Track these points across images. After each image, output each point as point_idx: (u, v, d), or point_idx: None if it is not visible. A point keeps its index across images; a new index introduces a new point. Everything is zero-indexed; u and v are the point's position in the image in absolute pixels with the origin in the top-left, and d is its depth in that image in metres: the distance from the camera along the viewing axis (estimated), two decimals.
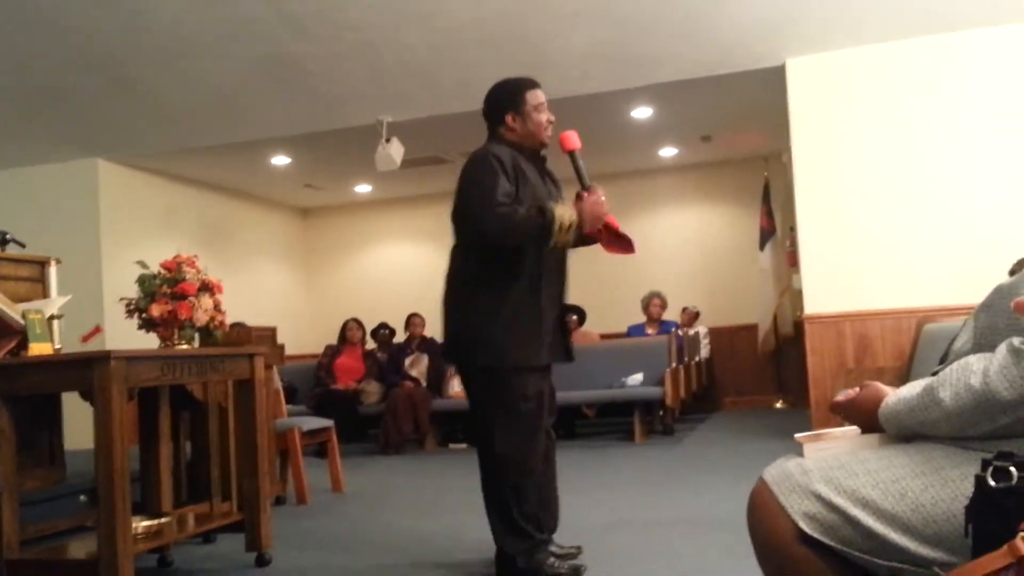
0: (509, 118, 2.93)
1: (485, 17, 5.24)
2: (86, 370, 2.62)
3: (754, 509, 1.41)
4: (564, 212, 2.76)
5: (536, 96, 2.94)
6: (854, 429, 1.50)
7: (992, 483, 1.06)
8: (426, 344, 7.65)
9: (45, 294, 3.81)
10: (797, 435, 1.48)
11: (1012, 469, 1.05)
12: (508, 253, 2.82)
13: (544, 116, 2.94)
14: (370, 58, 5.74)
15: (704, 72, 5.99)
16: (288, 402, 6.19)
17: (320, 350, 8.16)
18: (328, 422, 5.20)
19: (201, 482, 3.91)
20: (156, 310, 3.46)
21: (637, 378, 6.99)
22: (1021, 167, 5.45)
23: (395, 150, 6.52)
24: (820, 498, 1.34)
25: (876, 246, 5.68)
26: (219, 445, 3.88)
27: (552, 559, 2.92)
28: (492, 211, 2.72)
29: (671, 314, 8.63)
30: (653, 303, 8.37)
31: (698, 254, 9.34)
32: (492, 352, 2.84)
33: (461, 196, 2.86)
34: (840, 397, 1.52)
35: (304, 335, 9.75)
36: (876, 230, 5.69)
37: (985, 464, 1.14)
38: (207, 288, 3.70)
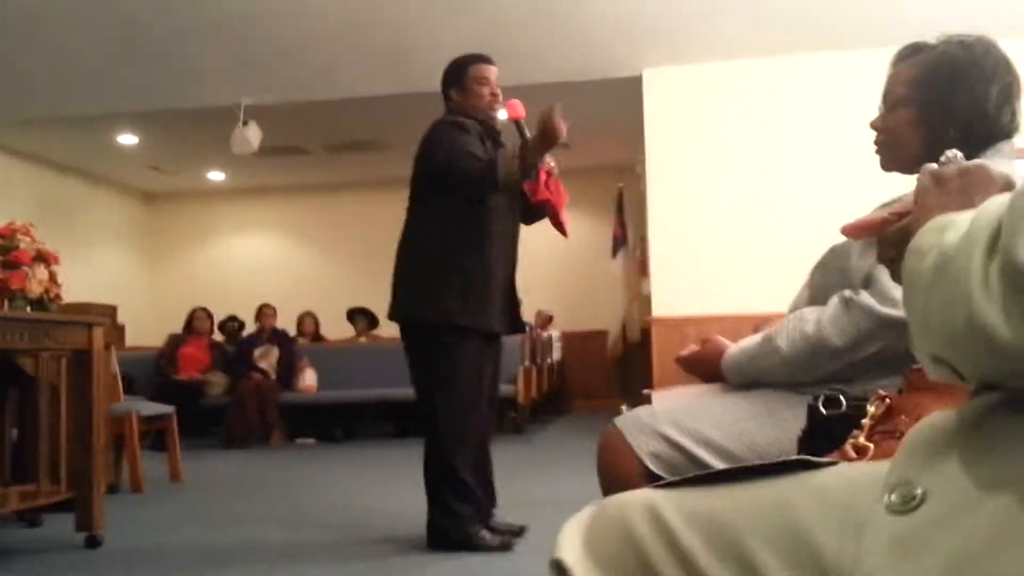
0: (453, 92, 3.02)
1: (352, 3, 5.18)
2: None
3: (604, 450, 1.47)
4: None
5: (479, 70, 3.01)
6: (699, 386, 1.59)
7: (823, 411, 1.15)
8: (277, 336, 7.46)
9: None
10: (646, 391, 1.56)
11: (841, 398, 1.14)
12: (474, 204, 2.90)
13: (486, 89, 2.99)
14: (231, 34, 5.55)
15: (566, 77, 6.13)
16: (126, 393, 5.89)
17: (163, 342, 7.81)
18: (168, 408, 4.99)
19: (27, 465, 3.67)
20: None
21: None
22: (849, 185, 5.86)
23: (252, 133, 6.35)
24: (666, 438, 1.42)
25: (720, 254, 5.96)
26: (49, 425, 3.65)
27: (484, 531, 2.94)
28: (465, 152, 2.82)
29: (525, 316, 8.75)
30: None
31: (553, 259, 9.51)
32: (441, 309, 2.88)
33: (431, 148, 2.92)
34: (684, 352, 1.61)
35: (146, 325, 9.30)
36: (721, 240, 5.97)
37: (815, 399, 1.23)
38: (43, 258, 3.50)
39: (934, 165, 0.71)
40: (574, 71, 6.07)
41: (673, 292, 6.03)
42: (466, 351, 2.92)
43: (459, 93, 3.01)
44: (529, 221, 3.15)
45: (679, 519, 0.66)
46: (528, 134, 2.88)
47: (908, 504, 0.55)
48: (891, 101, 1.45)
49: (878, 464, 0.65)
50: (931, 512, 0.54)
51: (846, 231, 0.79)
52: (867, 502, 0.59)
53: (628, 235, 8.84)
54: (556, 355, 8.97)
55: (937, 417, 0.62)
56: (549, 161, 2.91)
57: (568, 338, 9.37)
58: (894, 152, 1.46)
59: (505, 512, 3.13)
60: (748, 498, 0.66)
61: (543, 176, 2.90)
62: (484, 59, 3.05)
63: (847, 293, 1.40)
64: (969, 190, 0.66)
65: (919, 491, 0.56)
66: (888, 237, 0.74)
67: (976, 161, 0.69)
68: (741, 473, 0.69)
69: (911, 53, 1.45)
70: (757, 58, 5.96)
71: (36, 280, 3.38)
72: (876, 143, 1.50)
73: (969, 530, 0.51)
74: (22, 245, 3.45)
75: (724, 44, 5.79)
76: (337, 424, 7.19)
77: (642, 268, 7.95)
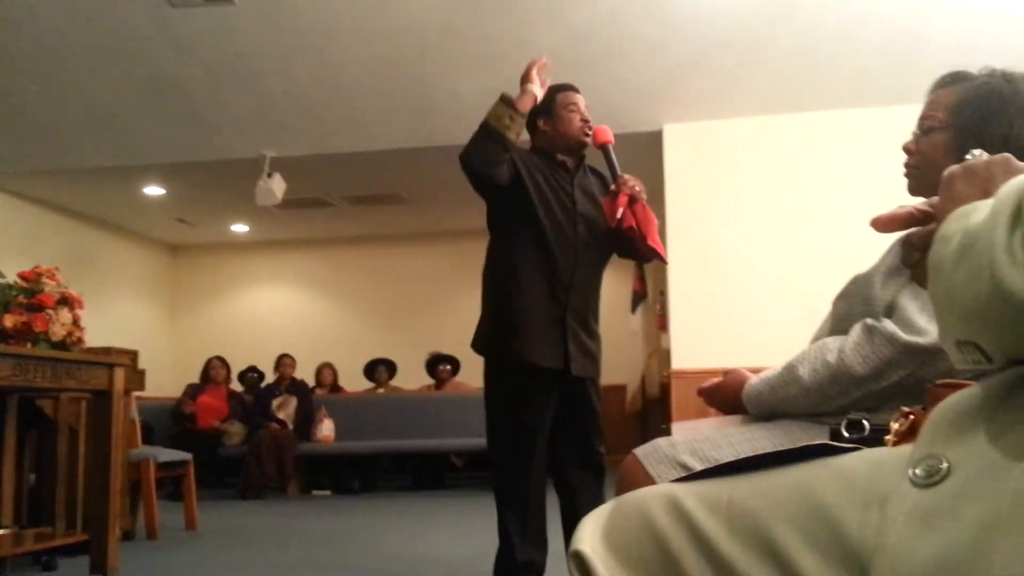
0: (540, 122, 2.96)
1: (374, 56, 5.29)
2: None
3: (623, 480, 1.45)
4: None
5: (568, 97, 2.96)
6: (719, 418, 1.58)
7: (846, 435, 1.14)
8: (295, 386, 7.46)
9: None
10: (664, 426, 1.56)
11: (865, 422, 1.12)
12: (504, 229, 2.89)
13: (576, 116, 2.92)
14: (256, 88, 5.68)
15: None
16: (144, 442, 5.89)
17: (182, 392, 7.83)
18: (186, 455, 4.98)
19: (44, 508, 3.67)
20: (9, 320, 3.30)
21: None
22: (868, 236, 5.84)
23: (277, 185, 6.43)
24: (685, 467, 1.40)
25: (739, 307, 5.94)
26: (67, 468, 3.65)
27: None
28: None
29: None
30: None
31: None
32: (478, 338, 2.90)
33: None
34: (706, 384, 1.60)
35: (165, 376, 9.33)
36: (740, 292, 5.96)
37: (838, 425, 1.22)
38: (66, 301, 3.55)
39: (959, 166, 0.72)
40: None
41: (693, 345, 6.01)
42: (499, 384, 2.82)
43: (548, 122, 2.93)
44: (624, 253, 3.00)
45: (699, 507, 0.67)
46: (615, 159, 2.85)
47: (933, 477, 0.56)
48: (927, 126, 1.44)
49: (901, 447, 0.66)
50: (956, 483, 0.54)
51: (876, 223, 0.79)
52: (891, 478, 0.59)
53: (647, 290, 8.82)
54: None
55: (962, 394, 0.62)
56: (633, 184, 2.79)
57: None
58: (925, 176, 1.45)
59: None
60: (769, 484, 0.66)
61: (623, 199, 2.76)
62: (571, 87, 3.01)
63: (870, 321, 1.39)
64: (994, 179, 0.66)
65: (944, 465, 0.56)
66: (913, 239, 0.74)
67: (1002, 154, 0.70)
68: (761, 461, 0.70)
69: (952, 81, 1.45)
70: (775, 114, 6.01)
71: (59, 323, 3.42)
72: (907, 166, 1.49)
73: (994, 498, 0.51)
74: (47, 288, 3.49)
75: (743, 100, 5.85)
76: (354, 475, 7.14)
77: (661, 323, 7.92)
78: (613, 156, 2.86)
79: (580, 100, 2.96)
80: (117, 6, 4.82)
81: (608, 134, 2.88)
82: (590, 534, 0.70)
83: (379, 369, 8.06)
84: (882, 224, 0.79)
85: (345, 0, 4.85)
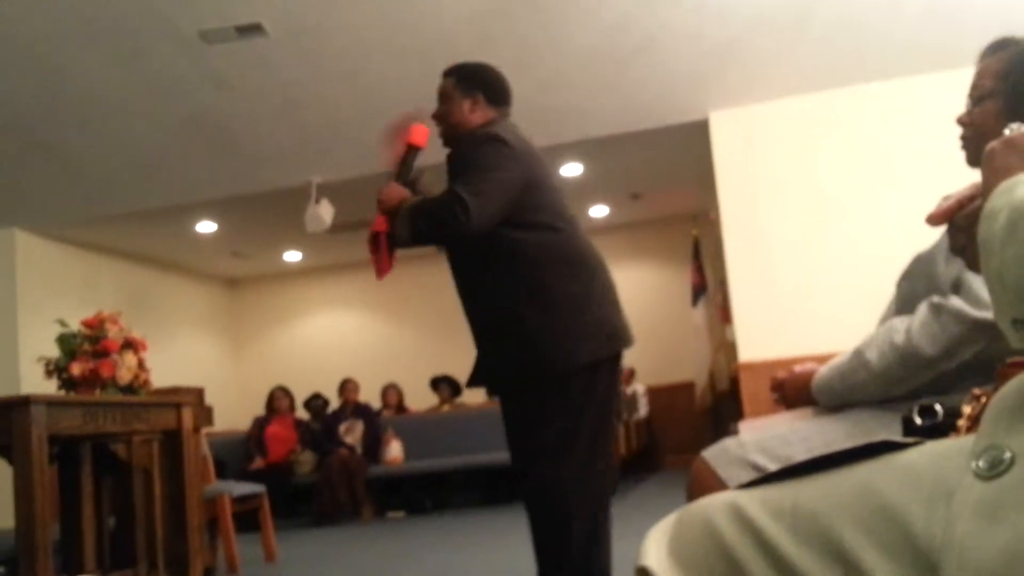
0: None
1: (408, 73, 5.27)
2: (3, 417, 2.46)
3: (693, 485, 1.42)
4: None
5: None
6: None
7: (919, 421, 1.07)
8: (360, 410, 7.47)
9: None
10: (733, 424, 1.51)
11: (937, 407, 1.06)
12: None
13: None
14: (296, 117, 5.70)
15: (630, 126, 6.10)
16: (217, 477, 5.94)
17: (248, 424, 7.90)
18: (260, 487, 5.00)
19: (125, 550, 3.69)
20: (77, 369, 3.33)
21: None
22: (926, 210, 5.65)
23: (325, 210, 6.45)
24: (756, 467, 1.35)
25: (803, 293, 5.78)
26: (144, 509, 3.67)
27: None
28: None
29: None
30: None
31: (631, 313, 9.27)
32: None
33: None
34: (779, 374, 1.56)
35: (232, 409, 9.44)
36: (802, 277, 5.80)
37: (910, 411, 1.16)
38: (130, 345, 3.57)
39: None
40: (637, 120, 6.04)
41: (759, 336, 5.86)
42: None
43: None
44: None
45: (763, 514, 0.65)
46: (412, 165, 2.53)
47: (996, 468, 0.54)
48: (977, 95, 1.42)
49: (965, 438, 0.63)
50: (1021, 473, 0.53)
51: (930, 220, 0.79)
52: (955, 472, 0.57)
53: (707, 282, 8.68)
54: (643, 411, 8.77)
55: (1021, 378, 0.60)
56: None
57: (654, 392, 9.17)
58: (980, 146, 1.39)
59: None
60: (831, 485, 0.65)
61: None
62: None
63: (936, 299, 1.35)
64: None
65: (1008, 455, 0.55)
66: (959, 221, 0.73)
67: None
68: (823, 463, 0.68)
69: (999, 47, 1.44)
70: (823, 91, 5.84)
71: (125, 367, 3.45)
72: (962, 138, 1.46)
73: None
74: (110, 334, 3.52)
75: (788, 79, 5.70)
76: (426, 495, 7.11)
77: (724, 315, 7.77)
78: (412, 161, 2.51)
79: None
80: (154, 47, 4.88)
81: (419, 136, 2.50)
82: (656, 548, 0.70)
83: (441, 387, 8.05)
84: (936, 219, 0.79)
85: (375, 20, 4.85)
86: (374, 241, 2.44)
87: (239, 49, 4.94)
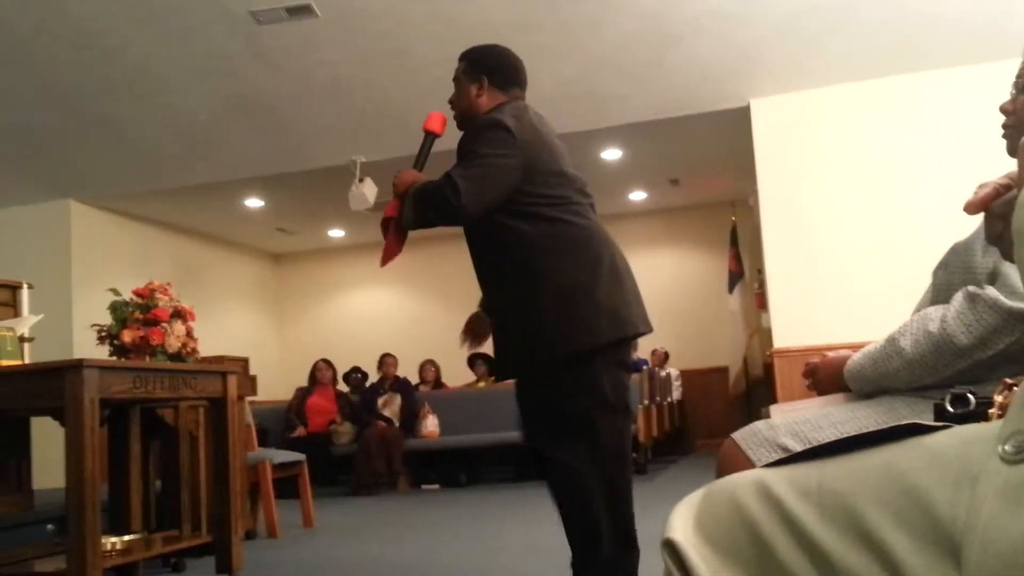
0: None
1: (451, 55, 5.33)
2: (57, 380, 2.60)
3: (722, 465, 1.44)
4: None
5: None
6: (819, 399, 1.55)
7: (951, 409, 1.10)
8: (399, 384, 7.62)
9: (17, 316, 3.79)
10: (764, 408, 1.54)
11: (970, 396, 1.09)
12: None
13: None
14: (342, 97, 5.82)
15: (670, 112, 6.12)
16: (260, 444, 6.13)
17: (291, 395, 8.09)
18: (300, 456, 5.16)
19: (171, 513, 3.86)
20: (128, 336, 3.47)
21: None
22: (966, 199, 5.61)
23: (368, 189, 6.55)
24: (785, 450, 1.37)
25: (840, 281, 5.78)
26: (189, 473, 3.84)
27: None
28: None
29: (641, 354, 8.68)
30: None
31: (667, 297, 9.42)
32: None
33: None
34: (809, 363, 1.58)
35: (276, 380, 9.67)
36: (839, 266, 5.80)
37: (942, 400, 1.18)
38: (179, 315, 3.71)
39: None
40: (678, 106, 6.06)
41: (794, 323, 5.88)
42: None
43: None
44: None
45: (790, 492, 0.66)
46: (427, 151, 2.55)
47: (1022, 452, 0.55)
48: (1022, 83, 1.40)
49: (993, 423, 0.64)
50: None
51: (968, 208, 0.78)
52: (981, 456, 0.58)
53: (744, 269, 8.67)
54: (676, 394, 8.82)
55: None
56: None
57: (688, 376, 9.21)
58: (1021, 135, 1.41)
59: None
60: (858, 466, 0.66)
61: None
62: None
63: (972, 288, 1.34)
64: None
65: None
66: (995, 209, 0.72)
67: None
68: (849, 444, 0.69)
69: None
70: (864, 80, 5.81)
71: (174, 336, 3.59)
72: (1004, 127, 1.44)
73: None
74: (160, 303, 3.66)
75: (832, 68, 5.68)
76: (460, 469, 7.26)
77: (760, 301, 7.77)
78: (430, 147, 2.54)
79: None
80: (206, 27, 5.02)
81: (435, 122, 2.53)
82: (682, 522, 0.70)
83: (477, 364, 8.16)
84: (972, 207, 0.78)
85: (420, 2, 4.93)
86: (386, 227, 2.48)
87: (289, 29, 5.06)
